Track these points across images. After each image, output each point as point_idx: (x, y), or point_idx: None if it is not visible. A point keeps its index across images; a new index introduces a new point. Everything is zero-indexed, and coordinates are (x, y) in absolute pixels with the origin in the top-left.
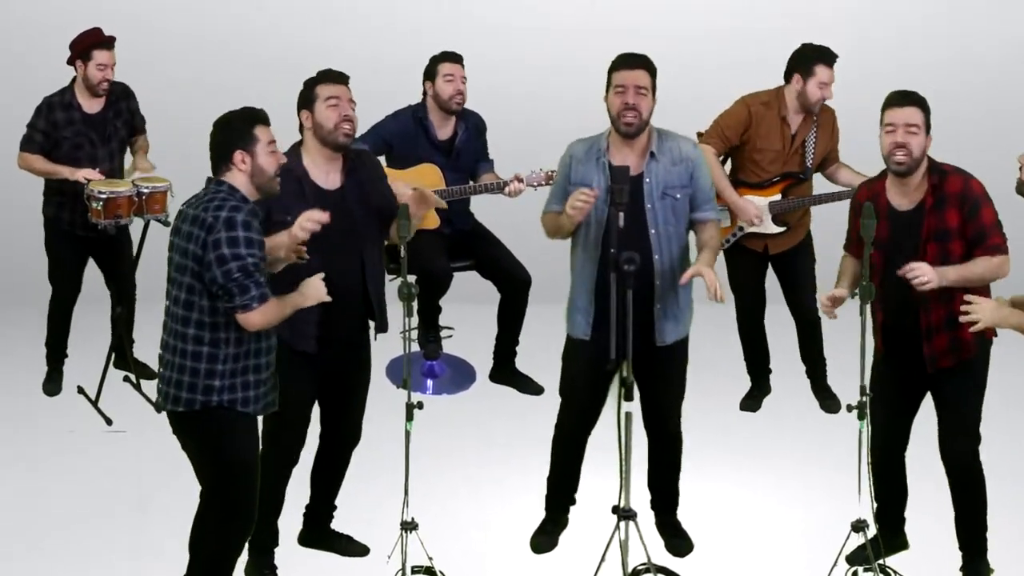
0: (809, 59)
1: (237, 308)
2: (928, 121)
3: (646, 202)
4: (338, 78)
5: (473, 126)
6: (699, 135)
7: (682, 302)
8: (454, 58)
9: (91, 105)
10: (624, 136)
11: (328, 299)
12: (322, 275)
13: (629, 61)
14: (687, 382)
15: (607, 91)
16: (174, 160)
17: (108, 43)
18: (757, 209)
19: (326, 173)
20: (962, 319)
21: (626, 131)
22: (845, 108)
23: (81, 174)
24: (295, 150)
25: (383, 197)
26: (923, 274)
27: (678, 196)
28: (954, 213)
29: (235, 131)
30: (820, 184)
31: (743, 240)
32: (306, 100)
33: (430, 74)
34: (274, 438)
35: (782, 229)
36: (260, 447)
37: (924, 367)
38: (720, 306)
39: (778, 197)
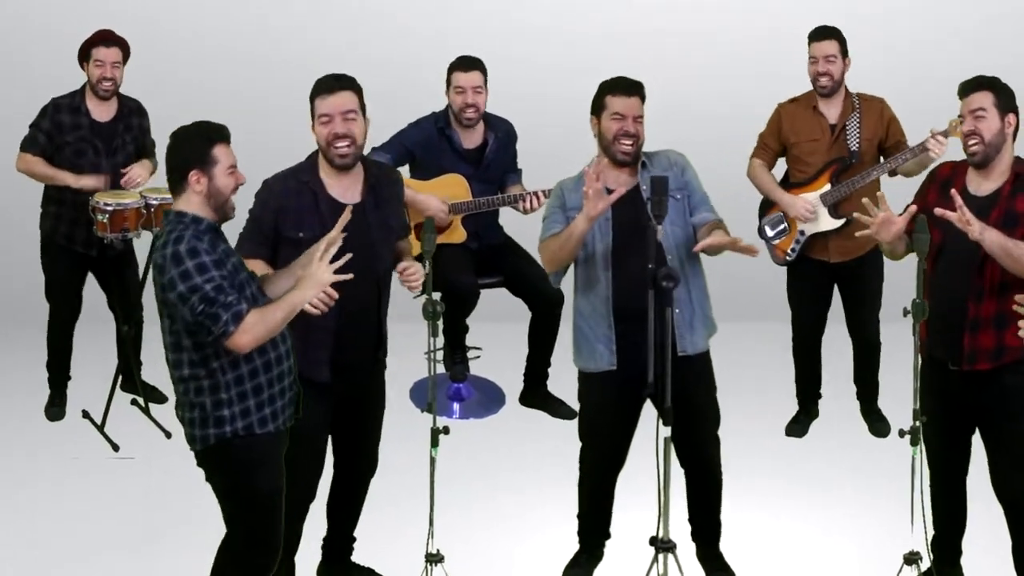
0: (808, 42)
1: (218, 339)
2: (1003, 102)
3: (648, 204)
4: (330, 88)
5: (504, 135)
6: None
7: (696, 308)
8: (466, 65)
9: (101, 113)
10: (618, 163)
11: (335, 278)
12: (328, 267)
13: (624, 88)
14: (724, 405)
15: (598, 116)
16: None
17: (107, 40)
18: (807, 202)
19: (344, 187)
20: (1016, 309)
21: (622, 158)
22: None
23: (84, 181)
24: (313, 160)
25: (399, 217)
26: (967, 215)
27: (677, 196)
28: None
29: (192, 150)
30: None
31: (807, 251)
32: (311, 114)
33: (447, 82)
34: (290, 474)
35: (841, 222)
36: (283, 477)
37: (966, 380)
38: (759, 326)
39: (828, 187)
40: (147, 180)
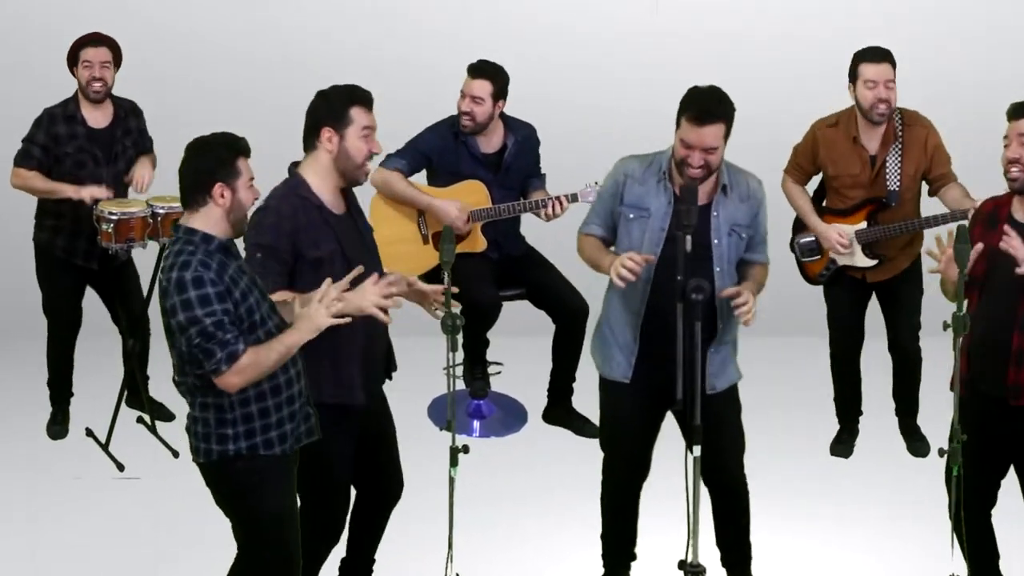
0: (854, 61)
1: (208, 374)
2: None
3: (713, 237)
4: (371, 101)
5: (524, 139)
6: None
7: (735, 348)
8: (473, 72)
9: (96, 119)
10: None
11: (334, 322)
12: (328, 296)
13: (703, 117)
14: (756, 422)
15: (676, 132)
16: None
17: (94, 41)
18: (841, 235)
19: (335, 199)
20: None
21: (688, 183)
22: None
23: (87, 192)
24: (299, 178)
25: (368, 227)
26: (1018, 248)
27: (743, 235)
28: None
29: (218, 159)
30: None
31: (843, 268)
32: (336, 117)
33: None
34: (316, 510)
35: (874, 263)
36: (294, 497)
37: (1007, 413)
38: (787, 342)
39: (863, 225)
40: (153, 177)
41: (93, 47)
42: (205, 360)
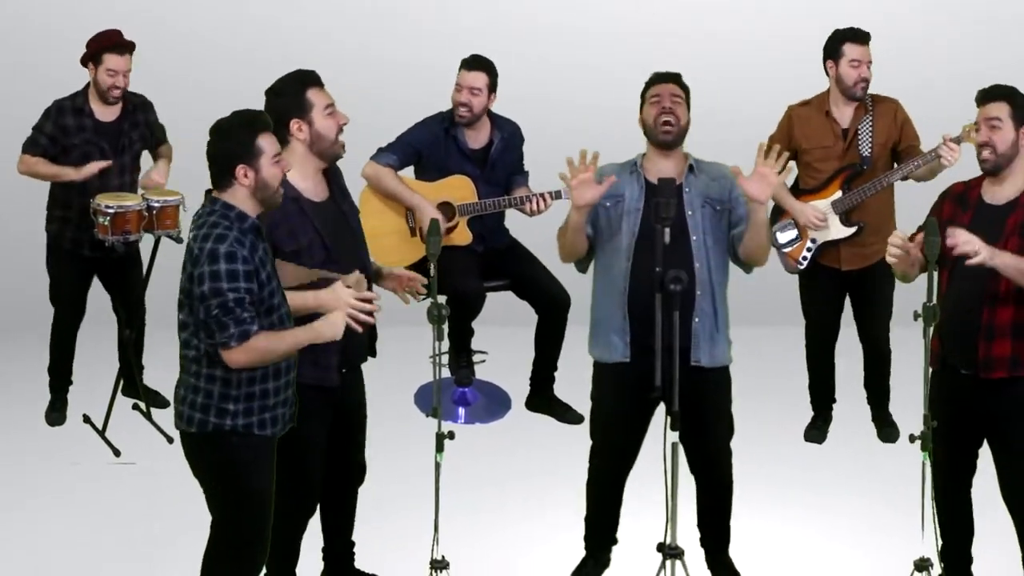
0: (837, 41)
1: (217, 346)
2: (1019, 113)
3: (687, 209)
4: (319, 79)
5: (509, 135)
6: None
7: (720, 323)
8: (470, 65)
9: (105, 113)
10: (661, 145)
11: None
12: (345, 309)
13: (663, 76)
14: (736, 409)
15: (641, 110)
16: (187, 172)
17: (121, 48)
18: (816, 211)
19: (314, 186)
20: None
21: (664, 138)
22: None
23: (87, 170)
24: None
25: (354, 207)
26: (969, 242)
27: (718, 208)
28: None
29: (236, 143)
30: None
31: (819, 258)
32: (297, 108)
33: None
34: (293, 485)
35: (853, 229)
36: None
37: (979, 387)
38: (768, 331)
39: (839, 194)
40: (166, 181)
41: (119, 55)
42: (218, 331)
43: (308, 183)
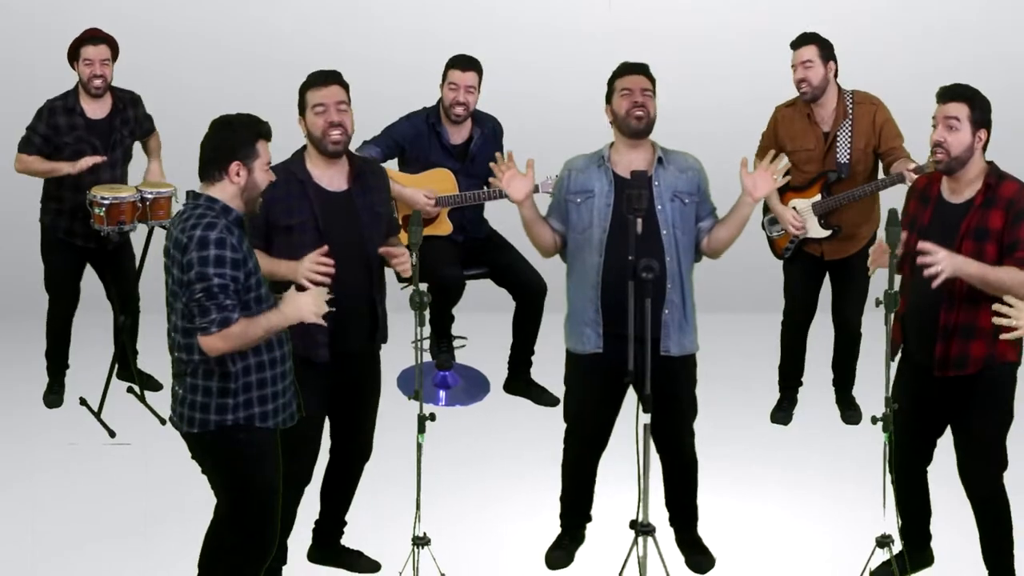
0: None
1: (196, 330)
2: (977, 116)
3: (656, 203)
4: (324, 80)
5: (490, 130)
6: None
7: (688, 313)
8: (464, 65)
9: (95, 110)
10: (632, 136)
11: (315, 320)
12: (318, 290)
13: (631, 67)
14: (705, 392)
15: (609, 101)
16: (180, 165)
17: (95, 39)
18: (795, 216)
19: (330, 177)
20: (996, 321)
21: (635, 128)
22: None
23: (81, 164)
24: (300, 154)
25: (387, 206)
26: (936, 261)
27: (686, 201)
28: (999, 215)
29: (238, 139)
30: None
31: (802, 245)
32: (300, 106)
33: (442, 76)
34: (288, 455)
35: (827, 233)
36: (280, 470)
37: (940, 380)
38: (736, 316)
39: (819, 197)
40: (164, 177)
41: (93, 46)
42: (199, 316)
43: (322, 172)
